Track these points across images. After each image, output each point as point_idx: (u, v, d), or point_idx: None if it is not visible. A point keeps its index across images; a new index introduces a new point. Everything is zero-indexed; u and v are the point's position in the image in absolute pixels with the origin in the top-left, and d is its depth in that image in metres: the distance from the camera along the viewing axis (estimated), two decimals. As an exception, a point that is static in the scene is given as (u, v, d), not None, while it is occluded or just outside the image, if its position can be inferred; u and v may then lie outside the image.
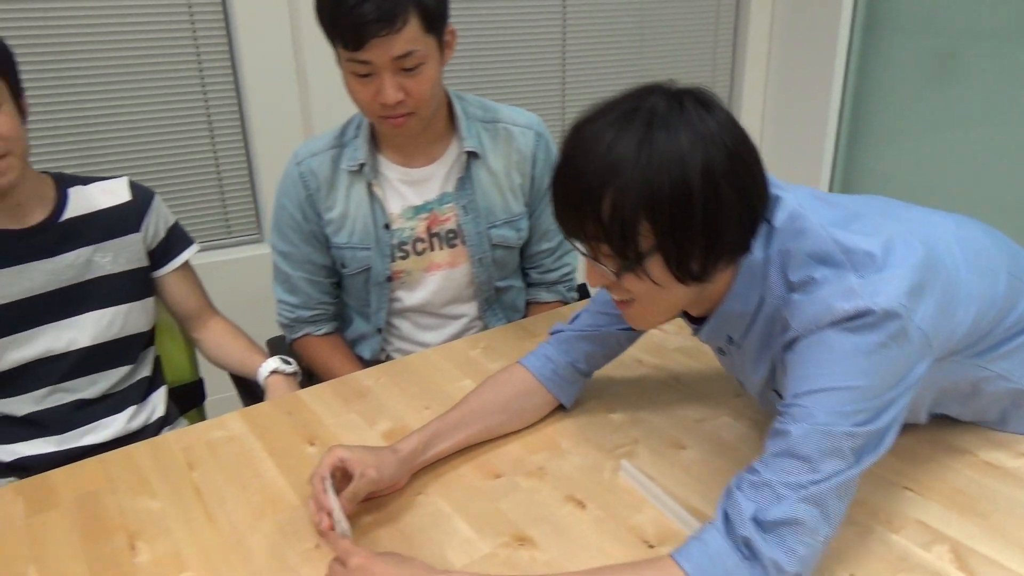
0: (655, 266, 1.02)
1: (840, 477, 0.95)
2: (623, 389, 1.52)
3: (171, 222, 1.74)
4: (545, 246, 1.92)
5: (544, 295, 1.98)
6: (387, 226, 1.76)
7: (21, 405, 1.58)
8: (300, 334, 1.89)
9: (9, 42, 1.53)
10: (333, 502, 1.10)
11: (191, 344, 1.92)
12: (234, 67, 2.79)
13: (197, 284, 1.81)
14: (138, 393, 1.70)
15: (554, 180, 1.03)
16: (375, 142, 1.76)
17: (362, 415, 1.45)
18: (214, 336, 1.81)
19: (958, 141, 3.67)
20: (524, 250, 1.92)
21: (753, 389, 1.23)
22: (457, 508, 1.19)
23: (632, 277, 1.04)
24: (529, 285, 1.99)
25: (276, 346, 1.99)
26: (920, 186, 3.67)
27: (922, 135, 3.69)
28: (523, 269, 1.97)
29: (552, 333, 1.43)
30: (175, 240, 1.75)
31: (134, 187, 1.70)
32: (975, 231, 1.20)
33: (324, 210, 1.76)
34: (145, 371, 1.72)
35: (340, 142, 1.77)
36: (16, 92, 1.47)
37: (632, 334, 1.39)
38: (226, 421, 1.45)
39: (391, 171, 1.76)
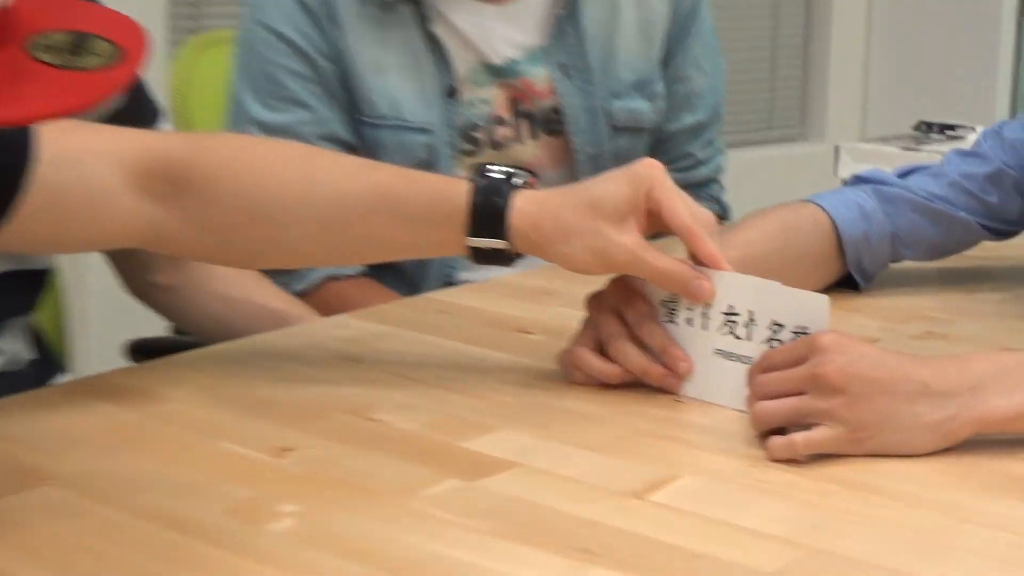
0: None
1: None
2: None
3: None
4: (689, 121, 1.24)
5: None
6: (452, 93, 1.14)
7: None
8: (317, 279, 1.11)
9: None
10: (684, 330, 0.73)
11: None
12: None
13: None
14: None
15: None
16: None
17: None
18: (221, 276, 0.98)
19: None
20: (655, 133, 1.26)
21: None
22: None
23: None
24: None
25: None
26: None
27: None
28: None
29: (862, 180, 0.99)
30: None
31: None
32: None
33: (345, 51, 1.11)
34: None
35: None
36: None
37: (988, 238, 1.00)
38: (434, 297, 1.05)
39: (452, 7, 1.13)
